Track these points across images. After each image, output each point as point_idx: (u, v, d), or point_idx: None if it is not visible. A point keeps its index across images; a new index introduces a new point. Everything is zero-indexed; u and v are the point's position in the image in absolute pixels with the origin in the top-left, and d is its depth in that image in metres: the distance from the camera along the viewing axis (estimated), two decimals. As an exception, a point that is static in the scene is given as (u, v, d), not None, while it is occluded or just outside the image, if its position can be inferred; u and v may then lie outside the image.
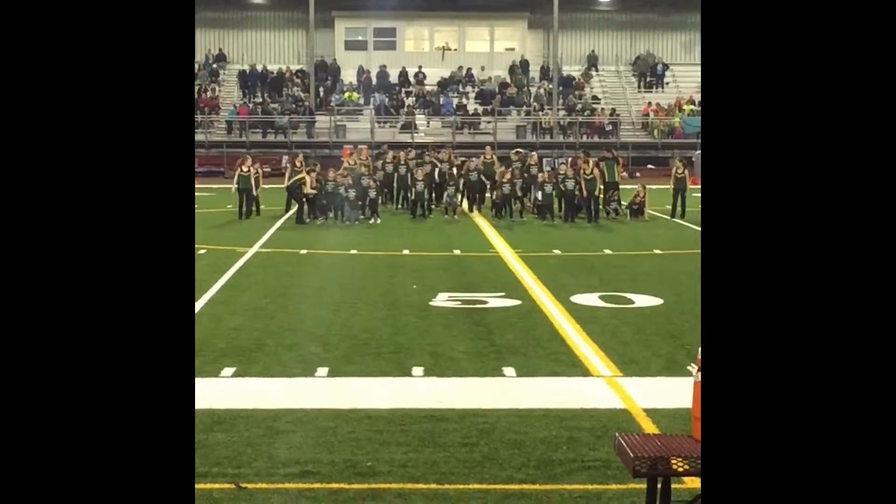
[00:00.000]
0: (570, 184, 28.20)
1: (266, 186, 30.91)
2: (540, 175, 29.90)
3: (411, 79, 53.77)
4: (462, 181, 31.18)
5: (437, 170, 31.10)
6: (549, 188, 28.48)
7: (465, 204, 30.89)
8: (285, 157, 48.49)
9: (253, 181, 28.62)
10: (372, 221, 27.55)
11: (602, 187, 28.98)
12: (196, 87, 52.16)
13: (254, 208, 29.08)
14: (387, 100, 51.98)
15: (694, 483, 7.47)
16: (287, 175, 29.44)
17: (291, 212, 28.72)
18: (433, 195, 30.71)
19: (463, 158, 33.13)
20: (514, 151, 32.97)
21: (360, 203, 28.06)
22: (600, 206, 28.78)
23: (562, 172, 29.60)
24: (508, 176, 29.64)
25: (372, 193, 28.54)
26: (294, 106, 51.51)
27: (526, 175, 30.61)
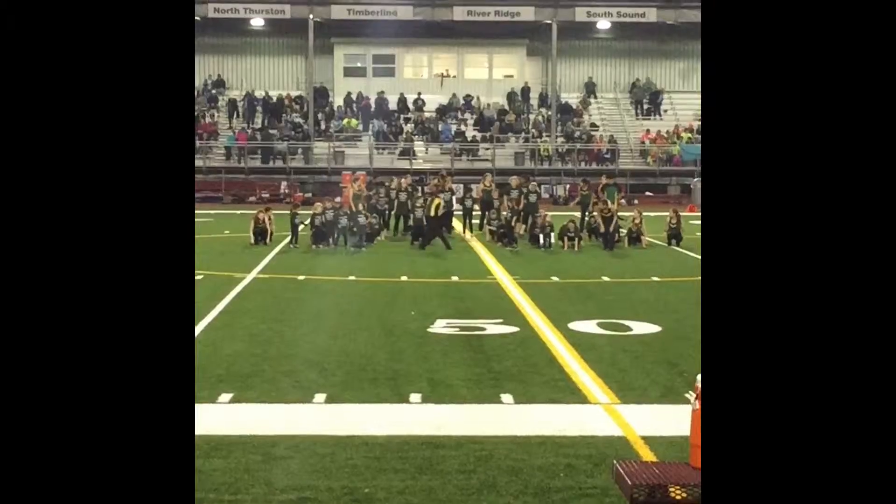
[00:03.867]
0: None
1: (275, 212, 30.81)
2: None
3: (410, 105, 53.92)
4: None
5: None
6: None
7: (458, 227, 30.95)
8: (284, 183, 48.64)
9: (269, 230, 28.65)
10: (364, 249, 27.46)
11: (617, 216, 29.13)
12: (195, 113, 52.31)
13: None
14: (385, 126, 52.09)
15: (692, 511, 7.45)
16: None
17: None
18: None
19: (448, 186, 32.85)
20: (512, 178, 33.06)
21: (366, 230, 28.15)
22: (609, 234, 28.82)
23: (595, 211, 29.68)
24: (508, 204, 29.71)
25: (365, 220, 28.56)
26: (293, 132, 51.60)
27: (525, 202, 30.65)
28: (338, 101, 54.17)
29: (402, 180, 32.26)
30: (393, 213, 31.48)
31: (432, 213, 28.22)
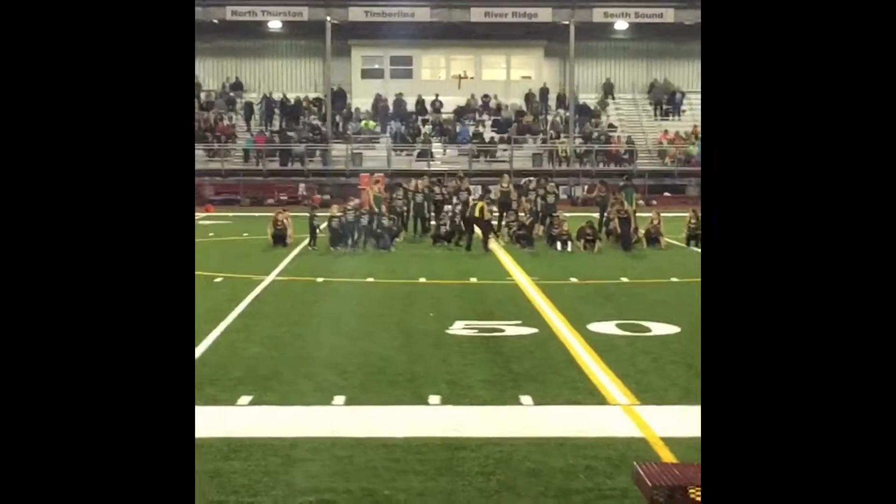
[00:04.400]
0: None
1: (293, 215, 30.84)
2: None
3: (428, 107, 53.92)
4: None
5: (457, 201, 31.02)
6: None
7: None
8: (302, 185, 48.71)
9: (288, 231, 28.71)
10: (384, 250, 27.49)
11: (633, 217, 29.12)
12: (212, 116, 52.42)
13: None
14: (403, 128, 52.11)
15: (712, 512, 7.43)
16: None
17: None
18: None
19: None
20: (526, 179, 33.11)
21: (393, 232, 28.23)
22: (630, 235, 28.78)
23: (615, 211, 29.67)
24: (527, 206, 29.70)
25: (389, 222, 28.70)
26: (311, 134, 51.67)
27: (542, 202, 30.62)
28: (356, 102, 54.21)
29: (420, 182, 32.31)
30: (411, 214, 31.48)
31: (477, 215, 28.22)
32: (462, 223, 28.77)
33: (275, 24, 54.52)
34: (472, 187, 34.52)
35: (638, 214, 30.55)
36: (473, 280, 21.94)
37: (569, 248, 27.68)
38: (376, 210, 28.96)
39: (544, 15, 52.19)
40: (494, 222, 29.60)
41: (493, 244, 27.99)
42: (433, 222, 30.77)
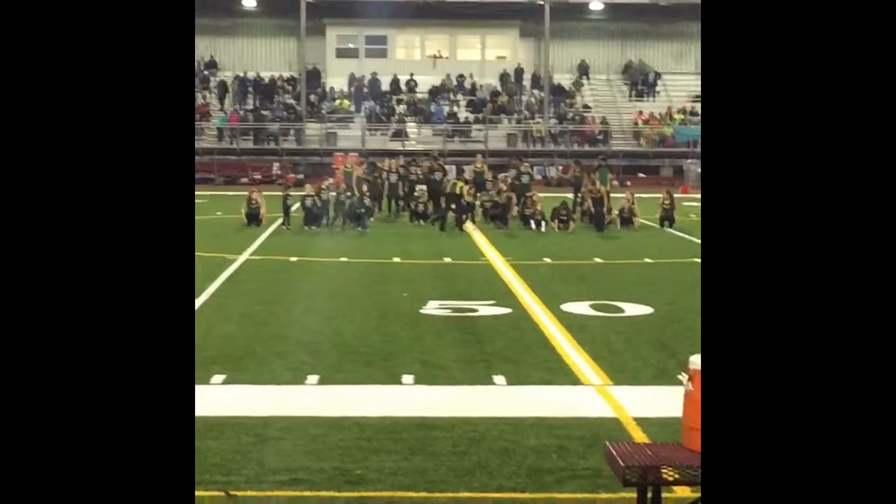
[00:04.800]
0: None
1: (267, 193, 30.73)
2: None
3: (402, 87, 53.80)
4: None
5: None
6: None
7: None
8: (276, 165, 48.56)
9: (262, 210, 28.64)
10: (360, 230, 27.48)
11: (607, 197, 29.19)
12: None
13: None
14: (378, 107, 51.98)
15: (684, 492, 7.47)
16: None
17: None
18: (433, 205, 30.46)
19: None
20: (477, 157, 33.52)
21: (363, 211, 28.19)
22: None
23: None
24: (503, 186, 29.73)
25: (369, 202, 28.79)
26: (285, 113, 51.50)
27: (517, 183, 30.64)
28: (330, 82, 54.02)
29: (393, 161, 32.34)
30: (385, 194, 31.51)
31: (457, 192, 28.31)
32: (441, 201, 28.84)
33: (249, 3, 54.26)
34: (447, 167, 34.51)
35: (612, 195, 30.60)
36: (447, 260, 21.95)
37: (543, 229, 27.72)
38: (351, 190, 28.94)
39: (520, -6, 52.16)
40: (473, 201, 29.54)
41: (469, 225, 27.99)
42: (406, 202, 30.83)
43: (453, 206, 28.31)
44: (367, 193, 29.57)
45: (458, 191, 28.36)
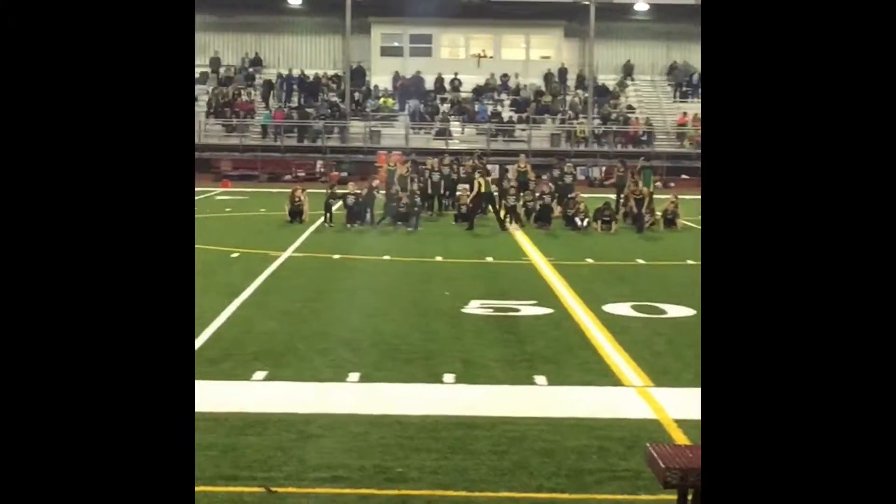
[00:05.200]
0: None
1: (310, 191, 30.83)
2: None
3: (446, 85, 53.81)
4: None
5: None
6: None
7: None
8: (319, 162, 48.73)
9: (305, 207, 28.72)
10: (411, 229, 27.44)
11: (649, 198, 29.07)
12: (231, 91, 52.42)
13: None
14: (421, 106, 52.02)
15: (725, 495, 7.43)
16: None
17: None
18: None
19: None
20: (520, 157, 33.56)
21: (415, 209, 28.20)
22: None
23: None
24: (545, 189, 29.69)
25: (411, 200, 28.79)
26: (329, 111, 51.65)
27: (560, 183, 30.58)
28: (374, 80, 54.11)
29: (436, 161, 32.37)
30: (428, 193, 31.51)
31: (483, 191, 28.41)
32: (471, 203, 28.82)
33: (295, 0, 54.43)
34: (490, 167, 34.49)
35: (655, 196, 30.48)
36: (490, 259, 21.95)
37: (586, 227, 27.66)
38: (397, 189, 28.93)
39: (564, -6, 52.02)
40: (511, 199, 29.41)
41: (512, 224, 27.96)
42: (450, 201, 30.85)
43: (487, 206, 28.37)
44: (418, 193, 29.52)
45: (483, 188, 28.41)
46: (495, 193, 29.82)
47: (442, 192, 31.59)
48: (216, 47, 54.58)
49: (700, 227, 28.14)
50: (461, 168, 32.46)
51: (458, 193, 30.81)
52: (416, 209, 28.03)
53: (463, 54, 56.14)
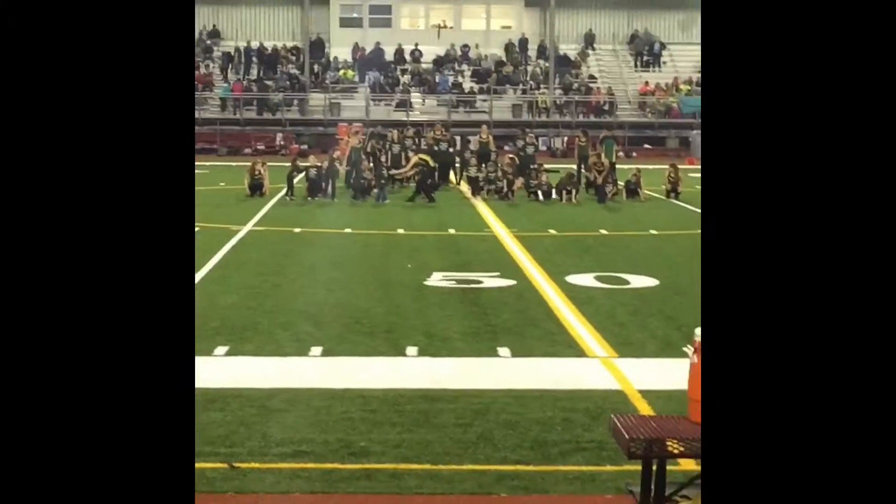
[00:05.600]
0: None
1: (270, 164, 30.64)
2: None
3: (407, 56, 53.58)
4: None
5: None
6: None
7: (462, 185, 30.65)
8: (279, 135, 48.45)
9: (265, 181, 28.52)
10: (380, 202, 27.30)
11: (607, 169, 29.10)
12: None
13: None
14: (382, 77, 51.79)
15: (689, 465, 7.44)
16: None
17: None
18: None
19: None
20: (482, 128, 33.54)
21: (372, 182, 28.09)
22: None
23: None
24: (507, 159, 29.65)
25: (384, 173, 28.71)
26: (288, 83, 51.33)
27: (522, 154, 30.53)
28: (334, 52, 53.80)
29: (396, 132, 32.24)
30: (388, 165, 31.35)
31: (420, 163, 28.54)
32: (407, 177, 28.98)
33: (253, -28, 54.01)
34: (456, 138, 34.40)
35: (618, 166, 30.51)
36: (452, 231, 21.89)
37: (550, 198, 27.67)
38: (368, 162, 28.79)
39: (525, -36, 51.85)
40: (472, 169, 29.35)
41: (471, 194, 27.96)
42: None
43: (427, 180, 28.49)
44: (385, 165, 29.38)
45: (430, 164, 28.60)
46: (457, 165, 29.77)
47: (402, 164, 31.44)
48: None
49: (674, 196, 28.25)
50: (422, 140, 32.32)
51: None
52: (382, 182, 27.91)
53: (423, 25, 55.89)
